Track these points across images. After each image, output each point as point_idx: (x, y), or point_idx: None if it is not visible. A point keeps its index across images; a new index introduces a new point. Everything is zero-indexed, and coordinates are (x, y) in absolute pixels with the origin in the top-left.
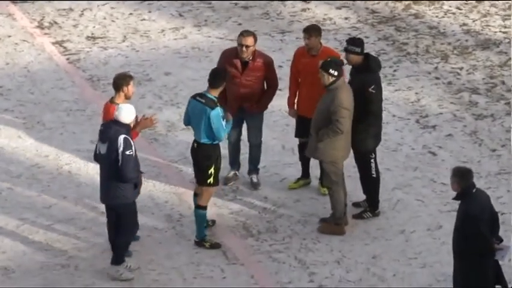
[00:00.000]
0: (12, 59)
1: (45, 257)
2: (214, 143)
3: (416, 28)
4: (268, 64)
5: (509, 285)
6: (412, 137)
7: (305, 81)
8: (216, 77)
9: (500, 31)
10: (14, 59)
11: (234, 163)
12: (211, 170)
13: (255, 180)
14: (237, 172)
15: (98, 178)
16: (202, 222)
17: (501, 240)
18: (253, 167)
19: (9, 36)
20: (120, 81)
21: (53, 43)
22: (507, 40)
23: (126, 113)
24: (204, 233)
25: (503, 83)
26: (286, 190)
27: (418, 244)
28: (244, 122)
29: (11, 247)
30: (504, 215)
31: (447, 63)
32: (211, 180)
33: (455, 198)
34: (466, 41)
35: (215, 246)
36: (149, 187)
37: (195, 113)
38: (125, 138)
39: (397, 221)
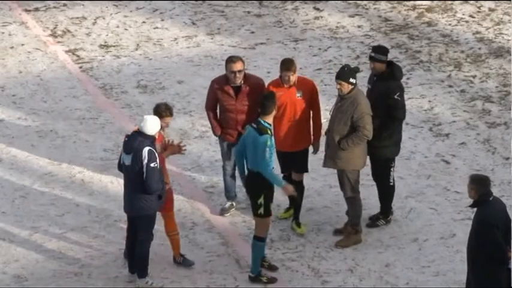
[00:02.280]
0: (25, 67)
1: (58, 265)
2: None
3: (429, 36)
4: (261, 85)
5: None
6: (426, 145)
7: (284, 115)
8: (266, 103)
9: None
10: (27, 68)
11: (231, 194)
12: (261, 200)
13: None
14: (233, 203)
15: (110, 186)
16: (259, 255)
17: None
18: None
19: (22, 45)
20: (159, 112)
21: (66, 51)
22: None
23: (151, 125)
24: (259, 268)
25: None
26: None
27: (431, 252)
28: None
29: (23, 255)
30: None
31: (460, 71)
32: (261, 210)
33: (472, 206)
34: (479, 49)
35: (272, 280)
36: None
37: (248, 139)
38: (149, 150)
39: (410, 229)
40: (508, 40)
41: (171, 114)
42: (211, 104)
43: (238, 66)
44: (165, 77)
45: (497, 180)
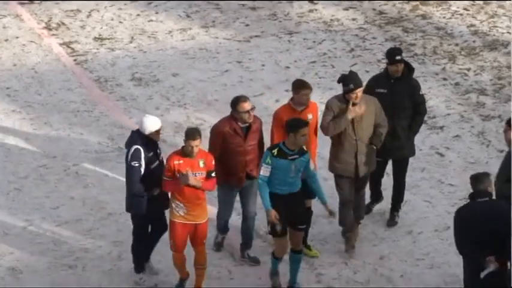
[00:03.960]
0: (19, 60)
1: (52, 257)
2: (272, 191)
3: (423, 29)
4: (261, 124)
5: None
6: (420, 137)
7: None
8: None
9: (507, 32)
10: (22, 60)
11: (225, 229)
12: (268, 218)
13: (252, 254)
14: (225, 236)
15: (105, 179)
16: (271, 267)
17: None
18: (250, 240)
19: (17, 37)
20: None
21: (61, 44)
22: None
23: (146, 124)
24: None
25: (510, 83)
26: None
27: (426, 245)
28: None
29: (18, 248)
30: None
31: (455, 64)
32: (268, 228)
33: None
34: (474, 42)
35: None
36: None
37: None
38: (135, 149)
39: (404, 221)
40: (503, 33)
41: (194, 136)
42: (216, 152)
43: (249, 104)
44: (160, 70)
45: (491, 172)
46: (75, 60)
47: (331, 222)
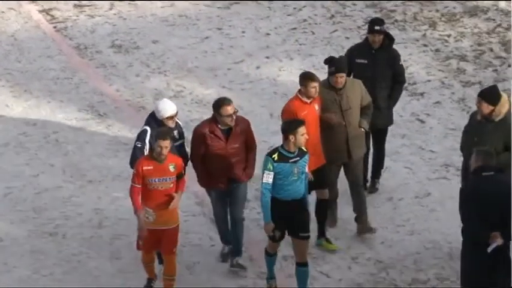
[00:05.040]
0: None
1: (32, 225)
2: (274, 195)
3: None
4: (248, 125)
5: None
6: (400, 104)
7: (308, 135)
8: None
9: None
10: (1, 27)
11: (228, 238)
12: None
13: (241, 262)
14: (230, 247)
15: (86, 146)
16: (268, 266)
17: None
18: (239, 247)
19: None
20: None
21: (40, 11)
22: (495, 7)
23: (159, 108)
24: (269, 273)
25: (491, 50)
26: None
27: (406, 211)
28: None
29: None
30: None
31: (435, 30)
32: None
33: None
34: (454, 8)
35: None
36: None
37: None
38: (143, 130)
39: (385, 188)
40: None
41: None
42: (199, 153)
43: (231, 108)
44: (140, 37)
45: None
46: (54, 27)
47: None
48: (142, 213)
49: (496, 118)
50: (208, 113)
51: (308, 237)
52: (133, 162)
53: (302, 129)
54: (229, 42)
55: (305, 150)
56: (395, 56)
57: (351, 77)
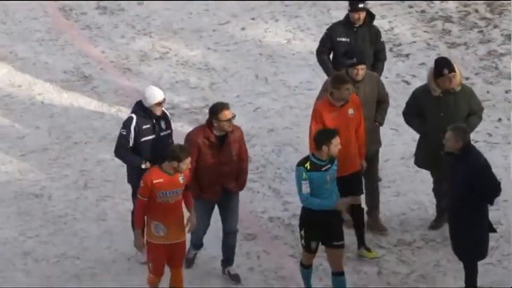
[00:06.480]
0: None
1: (18, 186)
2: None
3: None
4: (242, 134)
5: None
6: (386, 65)
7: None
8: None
9: None
10: None
11: (199, 244)
12: (302, 232)
13: (233, 272)
14: (197, 252)
15: (71, 108)
16: (304, 279)
17: None
18: (231, 256)
19: None
20: (178, 154)
21: None
22: None
23: (146, 95)
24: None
25: (476, 11)
26: (259, 119)
27: (392, 172)
28: (216, 206)
29: None
30: (477, 143)
31: None
32: (302, 242)
33: (460, 156)
34: None
35: None
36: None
37: None
38: (128, 117)
39: None
40: None
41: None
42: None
43: (230, 112)
44: None
45: None
46: None
47: None
48: (140, 231)
49: (458, 88)
50: (193, 75)
51: (343, 246)
52: (118, 149)
53: (336, 140)
54: (215, 4)
55: (334, 156)
56: (377, 33)
57: (331, 55)
